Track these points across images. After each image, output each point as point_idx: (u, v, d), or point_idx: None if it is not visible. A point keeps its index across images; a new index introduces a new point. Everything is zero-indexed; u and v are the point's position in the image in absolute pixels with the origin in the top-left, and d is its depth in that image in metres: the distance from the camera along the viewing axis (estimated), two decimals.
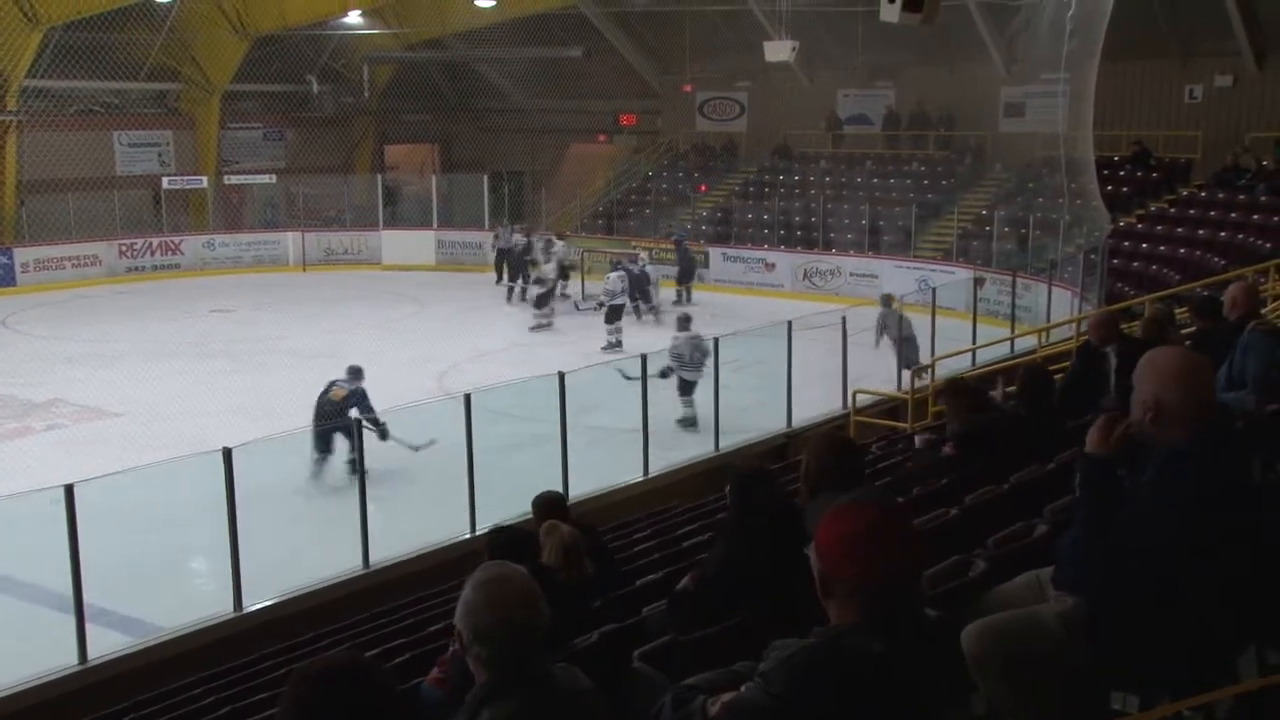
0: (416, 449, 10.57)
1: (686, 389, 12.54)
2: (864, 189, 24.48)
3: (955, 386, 6.70)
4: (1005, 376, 9.17)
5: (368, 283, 24.08)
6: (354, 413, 10.84)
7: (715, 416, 11.50)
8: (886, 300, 15.71)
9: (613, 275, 18.34)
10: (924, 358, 13.19)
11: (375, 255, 26.43)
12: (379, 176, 28.28)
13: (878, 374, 13.20)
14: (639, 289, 19.23)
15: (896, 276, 20.00)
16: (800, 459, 4.06)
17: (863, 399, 11.77)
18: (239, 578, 7.64)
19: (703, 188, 27.09)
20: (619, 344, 16.96)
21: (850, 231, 23.24)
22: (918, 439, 7.94)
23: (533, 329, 18.68)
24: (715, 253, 23.94)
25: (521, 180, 30.19)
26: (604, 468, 10.25)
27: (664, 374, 12.21)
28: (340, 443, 10.84)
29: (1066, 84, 16.93)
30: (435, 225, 26.77)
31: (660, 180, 27.98)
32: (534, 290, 19.49)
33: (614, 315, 17.50)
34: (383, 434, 10.65)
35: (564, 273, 21.09)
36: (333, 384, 11.51)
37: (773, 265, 23.13)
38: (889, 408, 11.96)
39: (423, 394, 12.42)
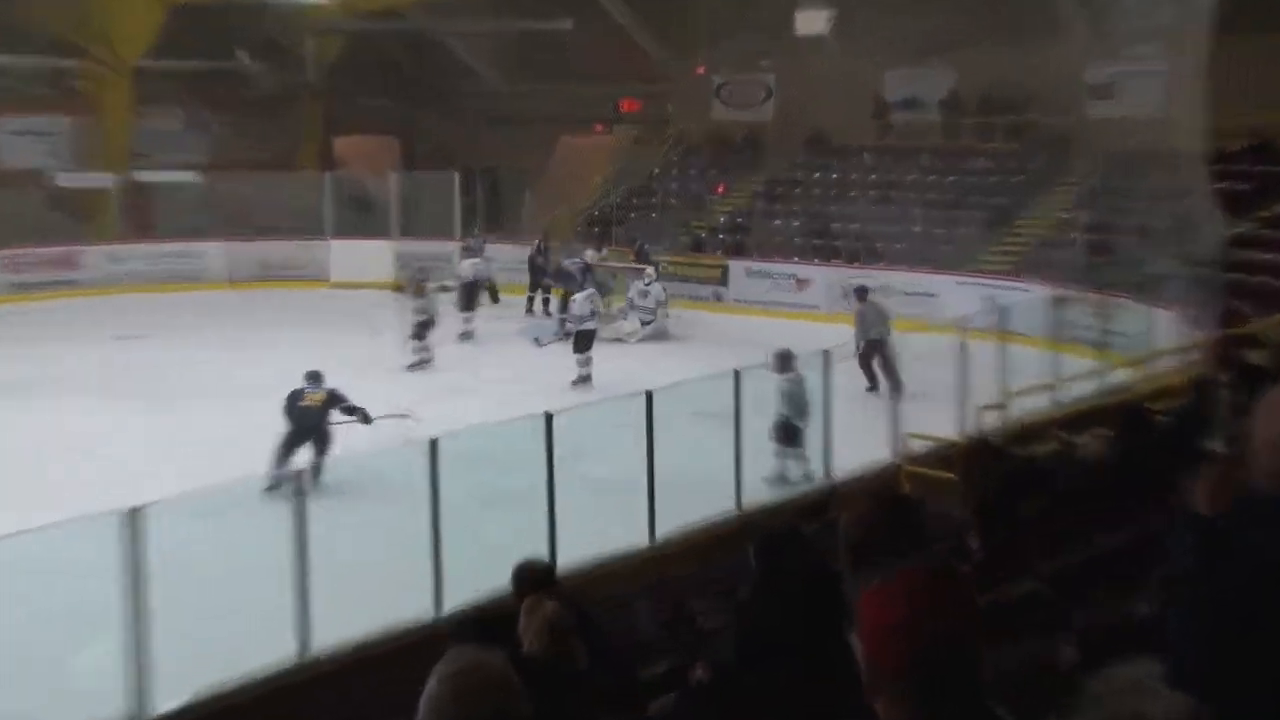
0: (406, 417, 11.99)
1: (793, 437, 12.34)
2: (917, 189, 24.63)
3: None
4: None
5: (312, 302, 24.16)
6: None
7: (736, 468, 11.45)
8: (861, 293, 15.76)
9: (579, 297, 18.18)
10: (991, 395, 13.06)
11: (321, 270, 26.59)
12: (326, 175, 28.44)
13: (936, 414, 13.12)
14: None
15: (958, 295, 20.04)
16: (840, 518, 4.03)
17: (917, 444, 11.73)
18: (145, 671, 7.57)
19: (720, 188, 27.26)
20: (589, 378, 16.87)
21: (901, 241, 23.32)
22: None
23: (411, 366, 18.08)
24: (736, 267, 24.05)
25: (499, 178, 30.37)
26: (599, 530, 10.20)
27: (785, 422, 12.21)
28: (308, 451, 12.14)
29: (1167, 61, 17.02)
30: (394, 234, 26.91)
31: (669, 180, 28.18)
32: (415, 318, 18.58)
33: (583, 344, 17.22)
34: (366, 419, 12.52)
35: (601, 288, 21.02)
36: (301, 392, 12.62)
37: (805, 282, 23.23)
38: (949, 454, 11.90)
39: (378, 439, 12.36)
